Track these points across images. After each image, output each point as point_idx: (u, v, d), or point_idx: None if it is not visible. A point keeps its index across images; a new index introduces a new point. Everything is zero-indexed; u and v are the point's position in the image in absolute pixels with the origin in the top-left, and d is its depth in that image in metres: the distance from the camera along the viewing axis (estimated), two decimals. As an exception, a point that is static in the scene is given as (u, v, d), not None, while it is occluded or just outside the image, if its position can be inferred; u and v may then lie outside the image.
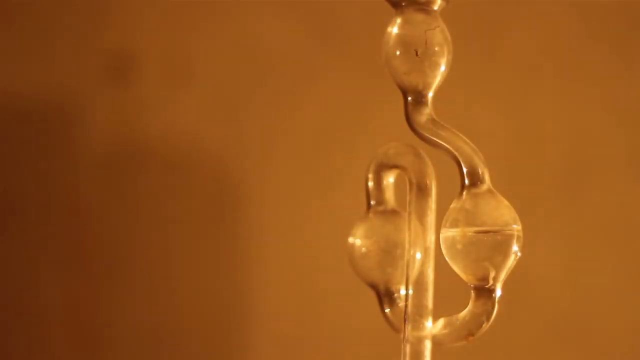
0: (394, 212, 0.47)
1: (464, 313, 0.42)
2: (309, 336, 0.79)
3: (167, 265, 0.81)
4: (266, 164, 0.80)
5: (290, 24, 0.80)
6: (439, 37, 0.41)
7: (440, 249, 0.41)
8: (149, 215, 0.81)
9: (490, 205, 0.40)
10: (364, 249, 0.47)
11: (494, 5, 0.77)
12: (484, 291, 0.41)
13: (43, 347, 0.82)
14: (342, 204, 0.76)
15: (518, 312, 0.75)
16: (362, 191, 0.47)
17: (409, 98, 0.42)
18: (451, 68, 0.42)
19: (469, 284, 0.41)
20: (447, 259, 0.41)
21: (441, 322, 0.43)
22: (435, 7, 0.42)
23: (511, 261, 0.40)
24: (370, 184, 0.47)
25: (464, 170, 0.41)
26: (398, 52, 0.41)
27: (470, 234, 0.40)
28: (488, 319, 0.41)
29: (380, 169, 0.47)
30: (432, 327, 0.43)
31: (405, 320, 0.44)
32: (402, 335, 0.44)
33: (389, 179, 0.47)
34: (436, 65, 0.41)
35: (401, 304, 0.46)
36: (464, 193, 0.41)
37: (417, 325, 0.43)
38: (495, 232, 0.40)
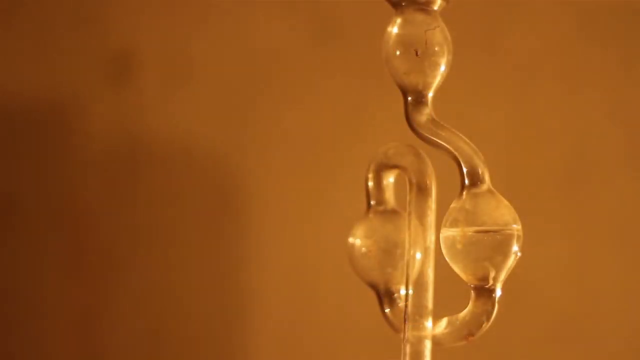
0: (394, 212, 0.47)
1: (464, 313, 0.42)
2: (309, 336, 0.79)
3: (166, 265, 0.81)
4: (266, 163, 0.80)
5: (290, 24, 0.80)
6: (439, 37, 0.41)
7: (440, 249, 0.41)
8: (149, 215, 0.81)
9: (490, 205, 0.40)
10: (364, 249, 0.47)
11: (493, 5, 0.77)
12: (484, 291, 0.41)
13: (43, 348, 0.82)
14: (342, 204, 0.76)
15: (518, 312, 0.75)
16: (362, 191, 0.48)
17: (409, 98, 0.42)
18: (451, 68, 0.42)
19: (469, 284, 0.41)
20: (447, 259, 0.41)
21: (441, 322, 0.43)
22: (435, 7, 0.42)
23: (511, 261, 0.40)
24: (370, 183, 0.47)
25: (464, 170, 0.41)
26: (398, 52, 0.41)
27: (470, 233, 0.40)
28: (488, 319, 0.41)
29: (380, 169, 0.47)
30: (432, 327, 0.43)
31: (405, 320, 0.44)
32: (402, 335, 0.44)
33: (389, 179, 0.47)
34: (436, 65, 0.41)
35: (401, 304, 0.46)
36: (464, 193, 0.41)
37: (417, 325, 0.43)
38: (495, 231, 0.40)
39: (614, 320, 0.76)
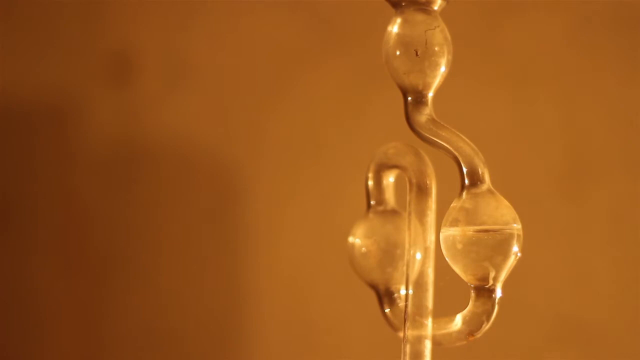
0: (394, 212, 0.47)
1: (464, 313, 0.42)
2: (309, 336, 0.79)
3: (166, 264, 0.81)
4: (265, 164, 0.80)
5: (290, 24, 0.80)
6: (439, 37, 0.41)
7: (440, 249, 0.41)
8: (148, 215, 0.81)
9: (490, 205, 0.40)
10: (364, 249, 0.47)
11: (493, 5, 0.77)
12: (484, 291, 0.41)
13: (42, 347, 0.82)
14: (341, 204, 0.76)
15: (518, 312, 0.75)
16: (362, 191, 0.47)
17: (409, 98, 0.42)
18: (451, 68, 0.42)
19: (469, 284, 0.41)
20: (447, 258, 0.41)
21: (441, 322, 0.43)
22: (435, 7, 0.42)
23: (511, 261, 0.40)
24: (370, 183, 0.47)
25: (464, 170, 0.41)
26: (398, 52, 0.41)
27: (470, 233, 0.40)
28: (488, 319, 0.41)
29: (380, 169, 0.47)
30: (432, 327, 0.43)
31: (405, 320, 0.44)
32: (402, 335, 0.44)
33: (389, 179, 0.47)
34: (436, 65, 0.41)
35: (401, 304, 0.46)
36: (464, 193, 0.41)
37: (417, 325, 0.43)
38: (495, 231, 0.40)
39: (613, 321, 0.76)
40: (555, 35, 0.77)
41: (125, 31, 0.81)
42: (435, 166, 0.45)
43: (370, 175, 0.47)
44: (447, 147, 0.41)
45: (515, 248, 0.40)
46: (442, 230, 0.41)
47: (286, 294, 0.80)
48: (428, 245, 0.44)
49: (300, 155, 0.80)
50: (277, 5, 0.80)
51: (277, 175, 0.80)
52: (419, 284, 0.44)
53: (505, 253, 0.40)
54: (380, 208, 0.47)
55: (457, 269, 0.40)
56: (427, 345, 0.43)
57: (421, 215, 0.44)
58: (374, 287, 0.47)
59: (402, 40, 0.41)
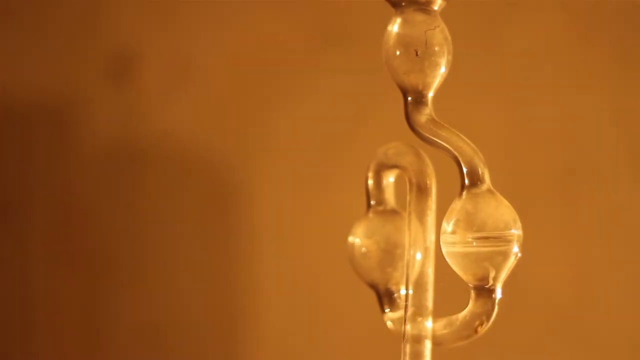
0: (394, 212, 0.47)
1: (464, 313, 0.42)
2: (309, 335, 0.79)
3: (166, 264, 0.81)
4: (266, 163, 0.80)
5: (291, 24, 0.80)
6: (439, 37, 0.41)
7: (440, 248, 0.41)
8: (148, 214, 0.81)
9: (490, 205, 0.40)
10: (364, 249, 0.47)
11: (493, 6, 0.77)
12: (484, 291, 0.41)
13: (42, 346, 0.82)
14: (341, 204, 0.76)
15: (518, 312, 0.75)
16: (362, 191, 0.47)
17: (409, 98, 0.42)
18: (451, 68, 0.42)
19: (469, 284, 0.41)
20: (447, 259, 0.41)
21: (441, 322, 0.43)
22: (435, 7, 0.42)
23: (511, 262, 0.40)
24: (370, 183, 0.47)
25: (464, 170, 0.41)
26: (398, 52, 0.41)
27: (470, 239, 0.40)
28: (488, 319, 0.41)
29: (380, 169, 0.47)
30: (432, 327, 0.43)
31: (405, 320, 0.44)
32: (402, 335, 0.44)
33: (389, 179, 0.47)
34: (436, 65, 0.41)
35: (401, 304, 0.46)
36: (464, 193, 0.41)
37: (417, 325, 0.43)
38: (495, 237, 0.40)
39: (613, 320, 0.76)
40: (555, 35, 0.77)
41: (125, 31, 0.81)
42: (435, 166, 0.45)
43: (370, 175, 0.47)
44: (447, 147, 0.41)
45: (515, 249, 0.40)
46: (442, 235, 0.41)
47: (286, 294, 0.80)
48: (428, 245, 0.44)
49: (300, 155, 0.80)
50: (277, 5, 0.80)
51: (277, 175, 0.80)
52: (419, 284, 0.44)
53: (505, 254, 0.40)
54: (380, 208, 0.47)
55: (457, 269, 0.40)
56: (427, 345, 0.43)
57: (421, 215, 0.44)
58: (374, 287, 0.47)
59: (402, 40, 0.41)
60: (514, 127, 0.77)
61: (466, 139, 0.41)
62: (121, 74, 0.81)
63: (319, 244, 0.79)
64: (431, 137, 0.42)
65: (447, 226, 0.40)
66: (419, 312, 0.43)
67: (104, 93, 0.81)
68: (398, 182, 0.47)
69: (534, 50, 0.77)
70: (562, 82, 0.77)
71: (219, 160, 0.81)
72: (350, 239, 0.47)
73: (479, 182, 0.41)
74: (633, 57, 0.76)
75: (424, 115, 0.42)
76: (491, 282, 0.40)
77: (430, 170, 0.44)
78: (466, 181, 0.41)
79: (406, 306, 0.44)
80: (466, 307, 0.41)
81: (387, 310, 0.46)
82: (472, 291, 0.41)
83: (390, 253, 0.46)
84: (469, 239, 0.40)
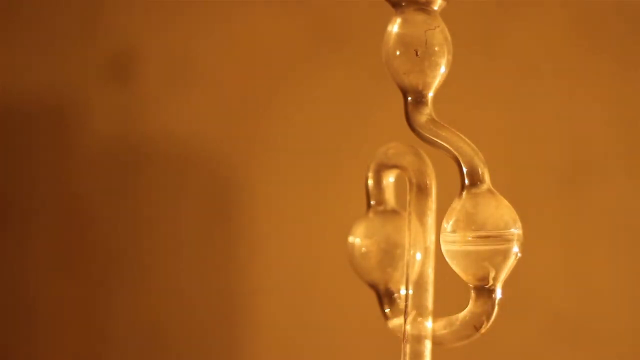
0: (394, 212, 0.47)
1: (464, 313, 0.42)
2: (309, 336, 0.79)
3: (166, 264, 0.81)
4: (266, 163, 0.80)
5: (291, 24, 0.80)
6: (439, 37, 0.41)
7: (440, 248, 0.41)
8: (149, 214, 0.81)
9: (490, 205, 0.40)
10: (364, 249, 0.47)
11: (493, 6, 0.77)
12: (484, 291, 0.41)
13: (42, 345, 0.82)
14: (342, 204, 0.76)
15: (518, 312, 0.75)
16: (362, 191, 0.47)
17: (409, 98, 0.42)
18: (451, 68, 0.42)
19: (469, 284, 0.41)
20: (447, 259, 0.41)
21: (441, 322, 0.43)
22: (435, 7, 0.42)
23: (511, 261, 0.40)
24: (370, 183, 0.47)
25: (464, 170, 0.41)
26: (398, 52, 0.41)
27: (470, 239, 0.40)
28: (488, 319, 0.41)
29: (380, 169, 0.47)
30: (432, 327, 0.43)
31: (405, 321, 0.44)
32: (402, 335, 0.44)
33: (389, 179, 0.47)
34: (436, 65, 0.41)
35: (401, 304, 0.46)
36: (464, 193, 0.41)
37: (417, 325, 0.43)
38: (495, 237, 0.40)
39: (613, 320, 0.76)
40: (555, 35, 0.77)
41: (125, 31, 0.81)
42: (435, 166, 0.45)
43: (370, 175, 0.47)
44: (447, 147, 0.41)
45: (515, 249, 0.40)
46: (442, 235, 0.41)
47: (286, 294, 0.80)
48: (428, 245, 0.44)
49: (300, 155, 0.80)
50: (277, 5, 0.80)
51: (277, 175, 0.80)
52: (419, 284, 0.44)
53: (505, 254, 0.40)
54: (380, 208, 0.47)
55: (457, 269, 0.40)
56: (427, 345, 0.43)
57: (421, 215, 0.44)
58: (374, 287, 0.47)
59: (402, 40, 0.41)
60: (513, 127, 0.77)
61: (466, 139, 0.41)
62: (121, 74, 0.81)
63: (319, 244, 0.79)
64: (431, 137, 0.42)
65: (447, 226, 0.40)
66: (419, 312, 0.43)
67: (104, 93, 0.81)
68: (398, 182, 0.47)
69: (533, 51, 0.77)
70: (562, 83, 0.77)
71: (219, 160, 0.81)
72: (350, 239, 0.47)
73: (479, 182, 0.41)
74: (633, 57, 0.76)
75: (424, 115, 0.42)
76: (491, 282, 0.40)
77: (430, 170, 0.44)
78: (466, 181, 0.41)
79: (406, 306, 0.44)
80: (466, 307, 0.41)
81: (387, 310, 0.46)
82: (472, 291, 0.41)
83: (390, 253, 0.46)
84: (469, 239, 0.40)
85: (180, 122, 0.81)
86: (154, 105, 0.81)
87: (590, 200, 0.76)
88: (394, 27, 0.41)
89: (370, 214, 0.47)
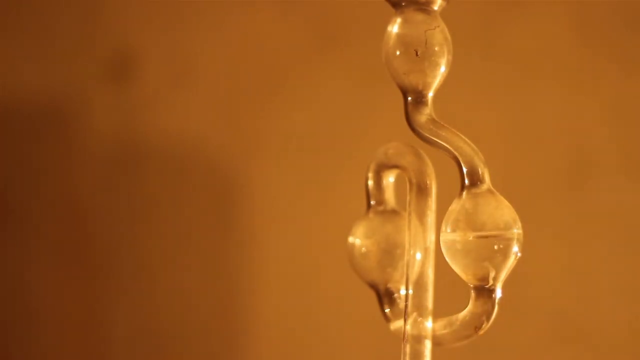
0: (394, 212, 0.47)
1: (464, 313, 0.42)
2: (309, 336, 0.79)
3: (166, 264, 0.81)
4: (266, 164, 0.80)
5: (290, 24, 0.80)
6: (439, 37, 0.41)
7: (440, 248, 0.41)
8: (149, 215, 0.81)
9: (490, 205, 0.40)
10: (364, 249, 0.47)
11: (493, 5, 0.77)
12: (484, 291, 0.41)
13: (42, 347, 0.82)
14: (342, 204, 0.76)
15: (518, 312, 0.75)
16: (362, 191, 0.47)
17: (409, 98, 0.42)
18: (451, 68, 0.42)
19: (469, 284, 0.41)
20: (447, 259, 0.41)
21: (441, 322, 0.43)
22: (435, 7, 0.42)
23: (511, 261, 0.40)
24: (370, 183, 0.47)
25: (464, 170, 0.41)
26: (398, 52, 0.41)
27: (470, 238, 0.40)
28: (488, 319, 0.41)
29: (380, 169, 0.47)
30: (432, 327, 0.43)
31: (405, 321, 0.44)
32: (402, 335, 0.44)
33: (389, 179, 0.47)
34: (436, 65, 0.41)
35: (401, 304, 0.46)
36: (464, 193, 0.41)
37: (417, 325, 0.43)
38: (495, 236, 0.40)
39: (613, 320, 0.76)
40: (556, 35, 0.77)
41: (125, 31, 0.81)
42: (435, 166, 0.45)
43: (370, 175, 0.47)
44: (447, 147, 0.41)
45: (515, 249, 0.40)
46: (442, 234, 0.41)
47: (286, 294, 0.80)
48: (428, 245, 0.44)
49: (300, 155, 0.80)
50: (277, 4, 0.80)
51: (277, 175, 0.80)
52: (419, 284, 0.44)
53: (505, 254, 0.40)
54: (380, 208, 0.47)
55: (457, 269, 0.40)
56: (427, 345, 0.43)
57: (421, 215, 0.44)
58: (374, 287, 0.47)
59: (402, 40, 0.41)
60: (513, 127, 0.77)
61: (466, 139, 0.41)
62: (121, 74, 0.81)
63: (319, 244, 0.79)
64: (431, 137, 0.42)
65: (447, 226, 0.40)
66: (419, 312, 0.43)
67: (104, 93, 0.81)
68: (398, 182, 0.47)
69: (533, 51, 0.77)
70: (562, 83, 0.77)
71: (220, 160, 0.81)
72: (350, 239, 0.47)
73: (479, 182, 0.41)
74: (633, 57, 0.76)
75: (424, 115, 0.42)
76: (491, 282, 0.40)
77: (430, 170, 0.44)
78: (466, 181, 0.41)
79: (406, 306, 0.44)
80: (466, 307, 0.41)
81: (387, 310, 0.46)
82: (472, 291, 0.41)
83: (390, 253, 0.46)
84: (469, 239, 0.40)
85: (180, 122, 0.81)
86: (154, 105, 0.81)
87: (590, 200, 0.76)
88: (394, 27, 0.41)
89: (370, 214, 0.47)
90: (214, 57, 0.81)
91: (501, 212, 0.40)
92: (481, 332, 0.41)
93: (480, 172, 0.41)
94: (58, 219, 0.81)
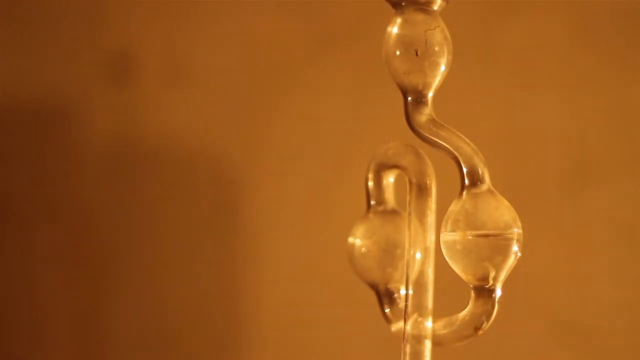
0: (394, 212, 0.47)
1: (464, 313, 0.42)
2: (308, 336, 0.79)
3: (167, 264, 0.81)
4: (266, 164, 0.80)
5: (290, 24, 0.80)
6: (439, 37, 0.41)
7: (440, 248, 0.41)
8: (149, 215, 0.81)
9: (490, 205, 0.40)
10: (364, 249, 0.47)
11: (493, 5, 0.77)
12: (484, 291, 0.41)
13: (42, 347, 0.82)
14: (342, 204, 0.76)
15: (518, 312, 0.75)
16: (362, 191, 0.47)
17: (409, 98, 0.42)
18: (451, 68, 0.42)
19: (469, 284, 0.41)
20: (447, 258, 0.41)
21: (441, 322, 0.43)
22: (435, 7, 0.42)
23: (511, 261, 0.40)
24: (370, 183, 0.47)
25: (464, 170, 0.41)
26: (398, 52, 0.41)
27: (470, 237, 0.40)
28: (488, 319, 0.41)
29: (380, 169, 0.47)
30: (432, 327, 0.43)
31: (405, 321, 0.44)
32: (402, 335, 0.44)
33: (389, 179, 0.47)
34: (436, 65, 0.41)
35: (401, 304, 0.46)
36: (464, 193, 0.41)
37: (417, 325, 0.43)
38: (495, 235, 0.40)
39: (613, 321, 0.76)
40: (556, 35, 0.77)
41: (125, 31, 0.81)
42: (435, 166, 0.45)
43: (370, 175, 0.47)
44: (447, 147, 0.41)
45: (515, 248, 0.40)
46: (442, 234, 0.41)
47: (286, 294, 0.80)
48: (428, 245, 0.44)
49: (300, 155, 0.80)
50: (277, 5, 0.80)
51: (277, 174, 0.80)
52: (419, 284, 0.44)
53: (505, 254, 0.40)
54: (380, 208, 0.47)
55: (457, 269, 0.40)
56: (427, 345, 0.43)
57: (421, 215, 0.44)
58: (374, 287, 0.47)
59: (402, 40, 0.41)
60: (513, 127, 0.77)
61: (466, 139, 0.41)
62: (121, 74, 0.81)
63: (319, 244, 0.79)
64: (431, 137, 0.42)
65: (447, 226, 0.40)
66: (419, 312, 0.43)
67: (104, 94, 0.81)
68: (398, 182, 0.47)
69: (534, 50, 0.77)
70: (561, 83, 0.77)
71: (220, 160, 0.81)
72: (350, 239, 0.47)
73: (479, 182, 0.41)
74: (632, 58, 0.76)
75: (424, 115, 0.42)
76: (491, 282, 0.40)
77: (430, 170, 0.44)
78: (466, 181, 0.41)
79: (406, 306, 0.44)
80: (466, 307, 0.41)
81: (387, 310, 0.46)
82: (472, 291, 0.41)
83: (390, 253, 0.46)
84: (469, 239, 0.40)
85: (181, 122, 0.81)
86: (154, 105, 0.81)
87: (590, 201, 0.76)
88: (394, 27, 0.41)
89: (370, 214, 0.47)
90: (214, 57, 0.81)
91: (501, 212, 0.40)
92: (481, 332, 0.41)
93: (480, 172, 0.41)
94: (59, 219, 0.81)
